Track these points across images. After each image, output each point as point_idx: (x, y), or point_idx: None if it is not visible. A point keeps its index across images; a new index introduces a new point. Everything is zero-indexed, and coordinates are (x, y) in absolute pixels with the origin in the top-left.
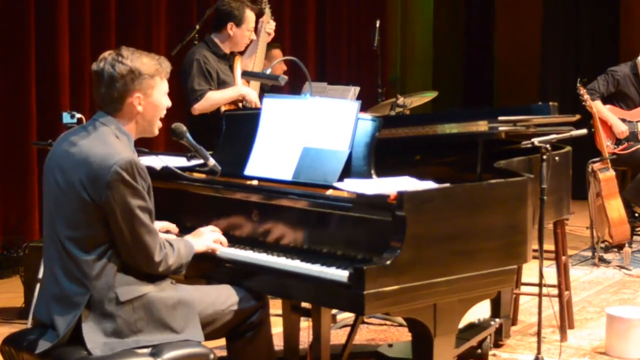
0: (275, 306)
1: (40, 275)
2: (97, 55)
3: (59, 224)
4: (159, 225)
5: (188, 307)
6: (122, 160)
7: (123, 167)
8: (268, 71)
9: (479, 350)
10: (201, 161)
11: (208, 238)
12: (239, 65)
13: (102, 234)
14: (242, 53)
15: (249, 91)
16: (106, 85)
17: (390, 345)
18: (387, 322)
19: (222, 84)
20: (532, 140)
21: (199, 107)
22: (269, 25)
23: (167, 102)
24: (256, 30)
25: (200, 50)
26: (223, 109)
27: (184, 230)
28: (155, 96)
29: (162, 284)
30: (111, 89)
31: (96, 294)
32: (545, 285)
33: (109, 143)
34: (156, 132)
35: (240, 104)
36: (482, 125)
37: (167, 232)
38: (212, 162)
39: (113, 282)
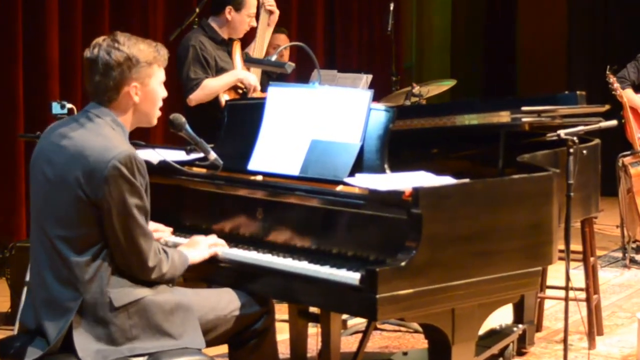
0: (281, 311)
1: (28, 278)
2: (89, 40)
3: (48, 223)
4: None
5: (187, 312)
6: (121, 154)
7: (122, 161)
8: (273, 58)
9: (501, 359)
10: (201, 155)
11: (203, 247)
12: (238, 50)
13: (96, 233)
14: (242, 40)
15: (247, 75)
16: (101, 73)
17: (405, 354)
18: (402, 328)
19: (220, 72)
20: (558, 132)
21: (195, 97)
22: (269, 2)
23: (164, 92)
24: (257, 16)
25: (197, 36)
26: (222, 98)
27: (183, 229)
28: (152, 85)
29: (158, 287)
30: (107, 77)
31: (88, 299)
32: (572, 289)
33: (105, 136)
34: (154, 122)
35: (239, 90)
36: (504, 116)
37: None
38: (213, 155)
39: (107, 285)
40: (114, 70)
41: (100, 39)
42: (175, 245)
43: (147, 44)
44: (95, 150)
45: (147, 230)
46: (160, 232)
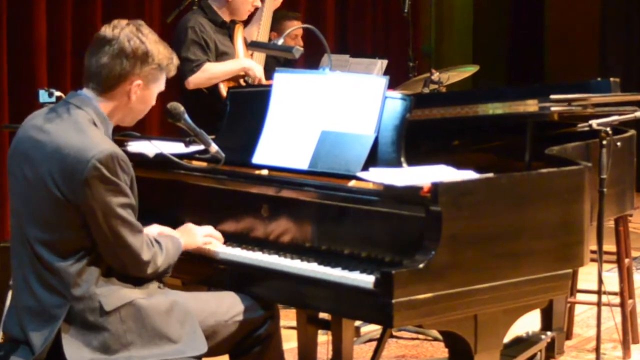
0: (289, 317)
1: (12, 281)
2: (80, 23)
3: (28, 225)
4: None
5: (184, 311)
6: (101, 153)
7: (103, 161)
8: (280, 42)
9: None
10: (202, 147)
11: (197, 234)
12: (240, 35)
13: (79, 237)
14: (246, 23)
15: (253, 65)
16: (112, 56)
17: None
18: (420, 336)
19: (221, 56)
20: (590, 122)
21: (194, 80)
22: None
23: (154, 102)
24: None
25: (196, 17)
26: (223, 87)
27: None
28: (152, 90)
29: (149, 289)
30: (116, 62)
31: (76, 304)
32: (605, 293)
33: (85, 131)
34: (133, 124)
35: (241, 80)
36: (531, 105)
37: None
38: (214, 148)
39: (94, 289)
40: (127, 59)
41: (123, 21)
42: None
43: (165, 47)
44: (74, 148)
45: (136, 226)
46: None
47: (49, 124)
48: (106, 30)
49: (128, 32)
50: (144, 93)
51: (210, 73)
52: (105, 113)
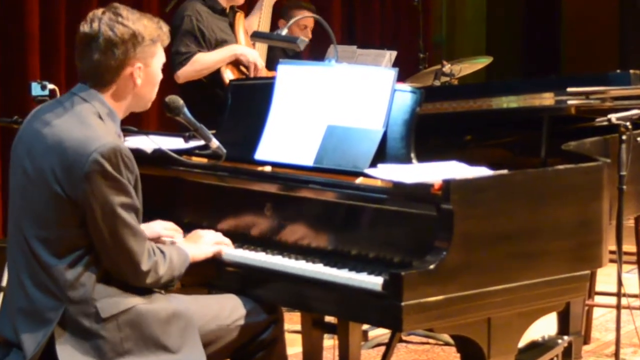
0: (293, 321)
1: (5, 282)
2: (74, 13)
3: (25, 222)
4: (160, 227)
5: (185, 321)
6: (104, 147)
7: (105, 155)
8: (283, 32)
9: None
10: (202, 142)
11: (207, 242)
12: (241, 24)
13: (78, 235)
14: (246, 13)
15: (247, 50)
16: (102, 51)
17: None
18: (430, 341)
19: (221, 44)
20: (609, 116)
21: (183, 73)
22: None
23: (161, 75)
24: None
25: (194, 5)
26: (225, 76)
27: (181, 228)
28: (154, 66)
29: (151, 296)
30: (108, 56)
31: (72, 308)
32: (624, 295)
33: (89, 125)
34: (149, 106)
35: (242, 68)
36: (547, 99)
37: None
38: (215, 143)
39: (92, 293)
40: (118, 48)
41: (98, 12)
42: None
43: (150, 19)
44: (75, 141)
45: (138, 230)
46: (168, 236)
47: (52, 117)
48: (85, 27)
49: (107, 21)
50: (148, 72)
51: (200, 64)
52: (112, 106)
